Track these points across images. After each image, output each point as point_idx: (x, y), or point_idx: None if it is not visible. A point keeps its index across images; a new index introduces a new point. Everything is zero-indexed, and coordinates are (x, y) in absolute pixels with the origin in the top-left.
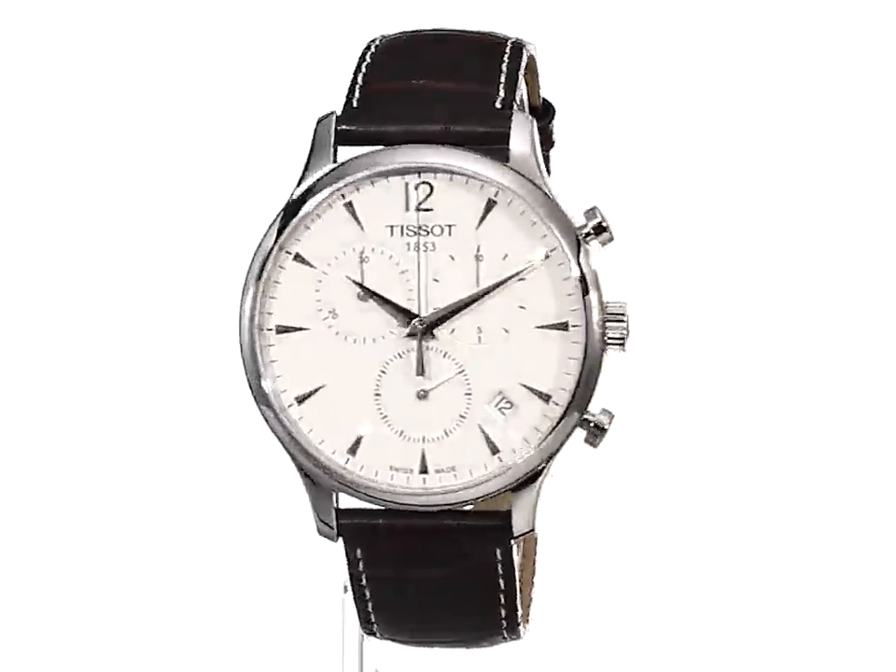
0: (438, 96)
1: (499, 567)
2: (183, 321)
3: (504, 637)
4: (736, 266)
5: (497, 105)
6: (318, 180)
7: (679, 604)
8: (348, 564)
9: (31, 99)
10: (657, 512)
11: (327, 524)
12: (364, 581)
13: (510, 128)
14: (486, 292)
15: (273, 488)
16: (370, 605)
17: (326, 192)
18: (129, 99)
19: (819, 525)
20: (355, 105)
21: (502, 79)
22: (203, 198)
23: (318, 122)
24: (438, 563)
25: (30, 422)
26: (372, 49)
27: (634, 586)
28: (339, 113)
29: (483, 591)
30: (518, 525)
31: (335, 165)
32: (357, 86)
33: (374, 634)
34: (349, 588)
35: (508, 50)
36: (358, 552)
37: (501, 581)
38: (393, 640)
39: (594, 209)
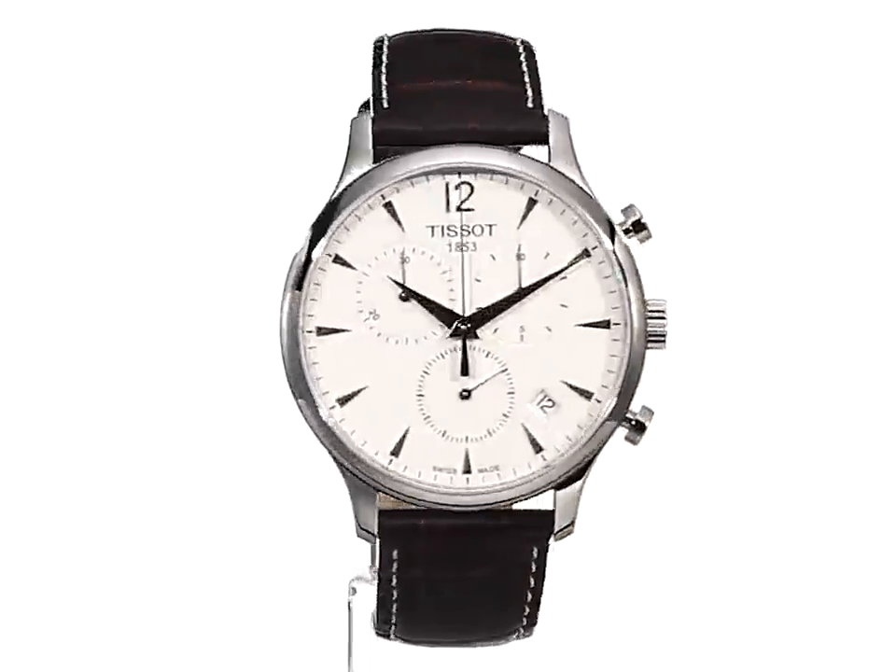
0: (471, 96)
1: (533, 565)
2: (222, 325)
3: (518, 636)
4: (737, 265)
5: (529, 104)
6: (357, 181)
7: (683, 605)
8: (380, 565)
9: (66, 109)
10: (661, 513)
11: (367, 525)
12: (394, 582)
13: (547, 127)
14: (529, 291)
15: (287, 490)
16: (394, 606)
17: (366, 193)
18: (141, 105)
19: (853, 528)
20: (385, 105)
21: (526, 79)
22: (236, 201)
23: (353, 123)
24: (476, 562)
25: (68, 423)
26: (385, 50)
27: (634, 587)
28: (363, 113)
29: (513, 589)
30: (560, 523)
31: (375, 165)
32: (384, 86)
33: (388, 635)
34: (357, 590)
35: (522, 50)
36: (395, 553)
37: (532, 580)
38: (406, 641)
39: (631, 207)
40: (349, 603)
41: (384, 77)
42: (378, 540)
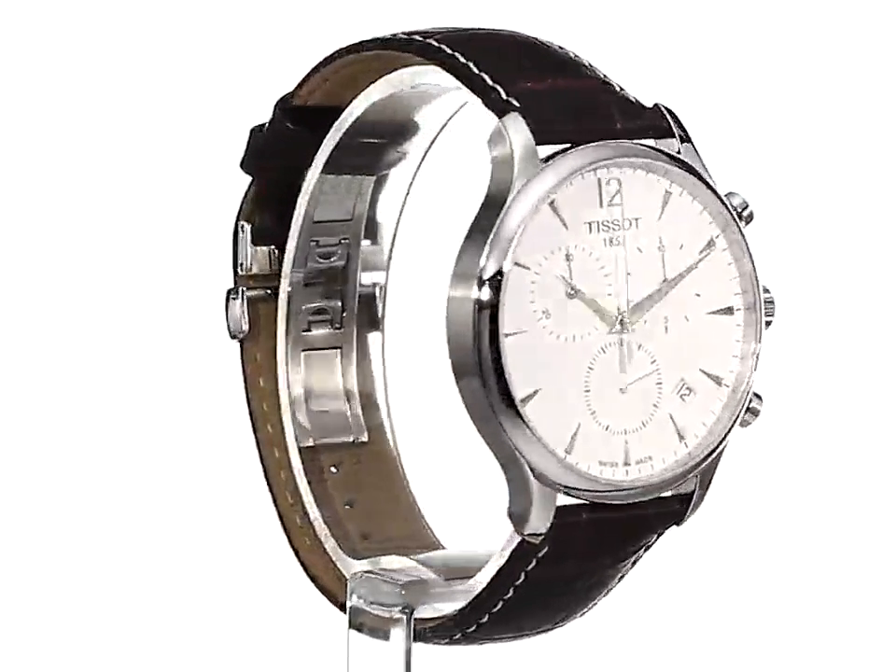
0: (588, 93)
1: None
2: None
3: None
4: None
5: (631, 99)
6: (527, 184)
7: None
8: (507, 565)
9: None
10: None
11: (536, 528)
12: (521, 580)
13: (667, 120)
14: (673, 283)
15: None
16: (499, 605)
17: (537, 194)
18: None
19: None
20: (516, 104)
21: (601, 74)
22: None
23: (506, 123)
24: (620, 553)
25: (69, 423)
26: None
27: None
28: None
29: (624, 572)
30: (695, 505)
31: (543, 167)
32: (499, 85)
33: (453, 638)
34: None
35: (569, 48)
36: (545, 550)
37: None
38: (475, 642)
39: (735, 193)
40: (350, 606)
41: (487, 78)
42: (525, 540)
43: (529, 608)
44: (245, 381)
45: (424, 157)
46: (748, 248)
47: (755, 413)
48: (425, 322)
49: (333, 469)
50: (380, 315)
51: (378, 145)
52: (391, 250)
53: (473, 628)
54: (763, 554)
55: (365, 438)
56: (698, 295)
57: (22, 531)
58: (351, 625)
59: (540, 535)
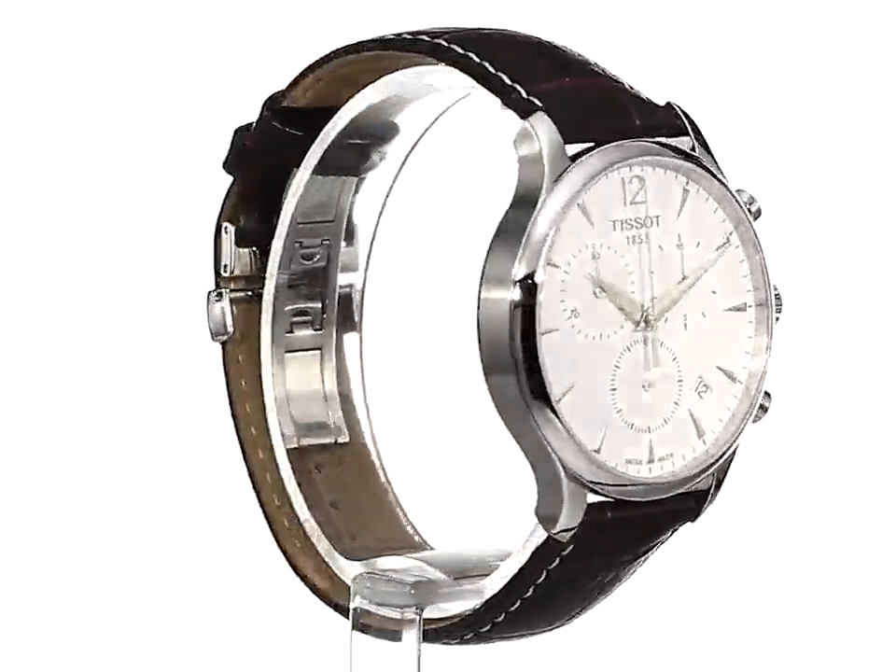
0: (604, 92)
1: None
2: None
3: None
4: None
5: (643, 97)
6: (558, 182)
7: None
8: (530, 564)
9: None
10: None
11: (569, 524)
12: (542, 579)
13: (681, 119)
14: (693, 280)
15: None
16: (517, 604)
17: (569, 194)
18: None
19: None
20: (538, 103)
21: (611, 73)
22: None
23: (533, 123)
24: (639, 550)
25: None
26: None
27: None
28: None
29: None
30: (709, 502)
31: (572, 165)
32: (518, 84)
33: (466, 638)
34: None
35: (574, 49)
36: (569, 549)
37: None
38: (489, 641)
39: (742, 190)
40: (353, 607)
41: (505, 78)
42: (552, 538)
43: (547, 605)
44: (228, 383)
45: (405, 160)
46: (759, 245)
47: (764, 409)
48: (402, 323)
49: (317, 471)
50: (357, 316)
51: (363, 146)
52: (370, 252)
53: (488, 627)
54: (763, 554)
55: (345, 439)
56: (714, 292)
57: (3, 534)
58: (354, 627)
59: (570, 532)
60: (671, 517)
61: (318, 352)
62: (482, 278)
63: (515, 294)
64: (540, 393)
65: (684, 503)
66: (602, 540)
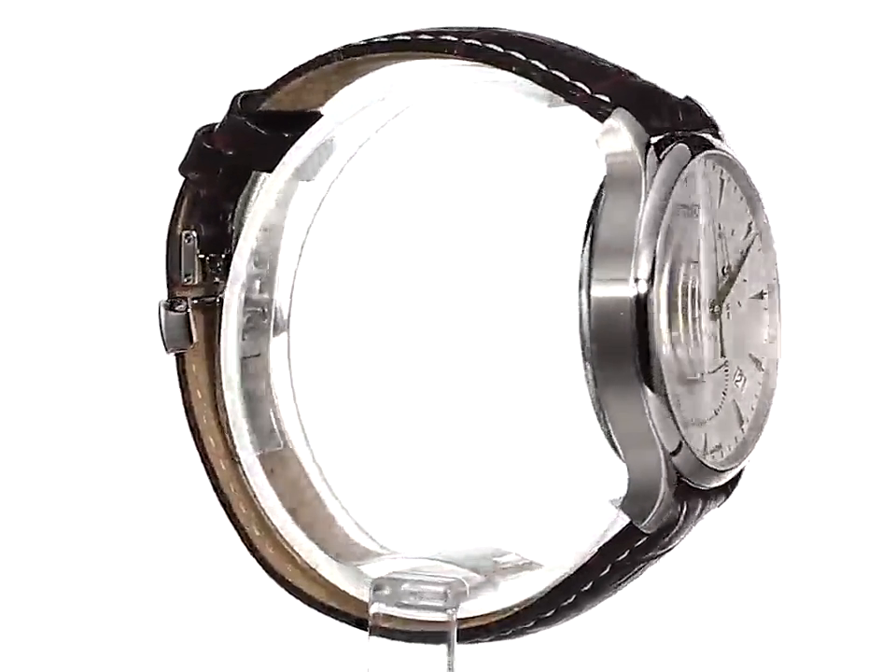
0: (650, 89)
1: None
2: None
3: None
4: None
5: (672, 94)
6: (654, 177)
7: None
8: (603, 556)
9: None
10: None
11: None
12: (607, 571)
13: (705, 113)
14: (737, 269)
15: None
16: (573, 598)
17: (666, 188)
18: None
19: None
20: (607, 100)
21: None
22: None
23: (623, 120)
24: (687, 534)
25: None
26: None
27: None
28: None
29: None
30: (734, 489)
31: (661, 160)
32: (579, 82)
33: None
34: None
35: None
36: (642, 540)
37: None
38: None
39: None
40: (372, 612)
41: (563, 76)
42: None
43: (612, 584)
44: (184, 395)
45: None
46: (771, 233)
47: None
48: (328, 326)
49: (273, 476)
50: (285, 320)
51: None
52: (299, 256)
53: (546, 619)
54: (762, 553)
55: (282, 444)
56: (745, 280)
57: None
58: (373, 633)
59: (663, 515)
60: (710, 504)
61: (260, 357)
62: (590, 274)
63: (635, 289)
64: (658, 381)
65: (720, 491)
66: (673, 525)
